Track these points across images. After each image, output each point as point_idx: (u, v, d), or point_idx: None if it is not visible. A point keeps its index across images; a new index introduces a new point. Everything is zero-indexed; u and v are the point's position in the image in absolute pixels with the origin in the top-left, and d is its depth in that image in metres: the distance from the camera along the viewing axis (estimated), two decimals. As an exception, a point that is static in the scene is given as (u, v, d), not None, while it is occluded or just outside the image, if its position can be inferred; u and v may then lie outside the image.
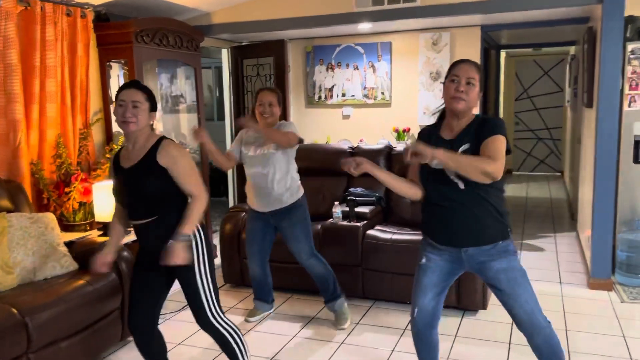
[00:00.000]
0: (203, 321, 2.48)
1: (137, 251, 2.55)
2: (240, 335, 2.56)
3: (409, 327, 2.50)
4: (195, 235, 2.40)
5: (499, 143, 2.13)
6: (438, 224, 2.30)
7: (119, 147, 2.54)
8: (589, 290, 4.03)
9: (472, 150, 2.17)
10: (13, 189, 3.22)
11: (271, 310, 3.73)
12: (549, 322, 2.29)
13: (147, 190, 2.34)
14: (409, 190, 2.36)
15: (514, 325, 3.45)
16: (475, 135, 2.19)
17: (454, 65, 2.27)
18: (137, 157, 2.37)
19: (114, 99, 2.43)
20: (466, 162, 2.09)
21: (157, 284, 2.50)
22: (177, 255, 2.27)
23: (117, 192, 2.46)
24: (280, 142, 3.25)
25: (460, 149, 2.19)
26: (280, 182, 3.31)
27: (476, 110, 2.36)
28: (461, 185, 2.18)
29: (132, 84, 2.41)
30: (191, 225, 2.33)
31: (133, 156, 2.38)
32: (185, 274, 2.41)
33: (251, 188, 3.41)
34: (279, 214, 3.37)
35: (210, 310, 2.47)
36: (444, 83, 2.28)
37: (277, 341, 3.32)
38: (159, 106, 4.73)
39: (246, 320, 3.61)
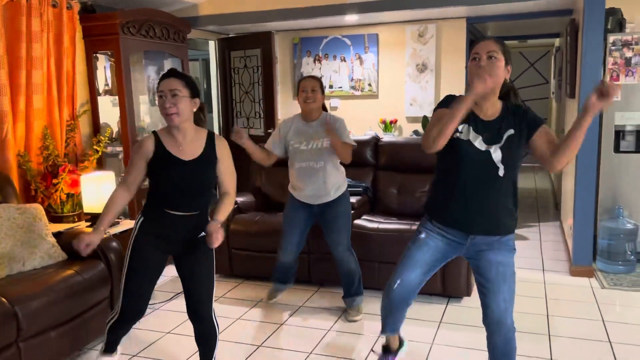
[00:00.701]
0: (205, 313, 2.50)
1: (141, 236, 2.48)
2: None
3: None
4: None
5: (550, 129, 2.17)
6: (456, 207, 2.21)
7: (151, 132, 2.48)
8: (571, 277, 4.12)
9: (516, 137, 2.13)
10: (0, 181, 3.23)
11: (290, 287, 3.77)
12: (515, 328, 2.28)
13: (207, 183, 2.43)
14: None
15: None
16: (516, 123, 2.14)
17: (473, 45, 2.17)
18: (197, 149, 2.40)
19: (156, 90, 2.45)
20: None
21: (159, 271, 2.54)
22: (221, 236, 2.31)
23: (171, 182, 2.40)
24: (341, 155, 3.29)
25: (506, 134, 2.13)
26: (331, 176, 3.32)
27: None
28: (501, 172, 2.13)
29: (170, 73, 2.41)
30: (225, 216, 2.42)
31: (190, 149, 2.39)
32: (209, 261, 2.48)
33: (300, 181, 3.37)
34: (325, 205, 3.37)
35: (212, 303, 2.53)
36: (466, 67, 2.24)
37: (265, 328, 3.38)
38: (146, 98, 4.74)
39: (266, 301, 3.70)
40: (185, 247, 2.48)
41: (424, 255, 2.30)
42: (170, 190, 2.41)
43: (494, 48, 2.11)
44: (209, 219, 2.46)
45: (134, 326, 2.68)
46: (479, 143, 2.13)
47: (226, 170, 2.48)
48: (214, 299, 2.53)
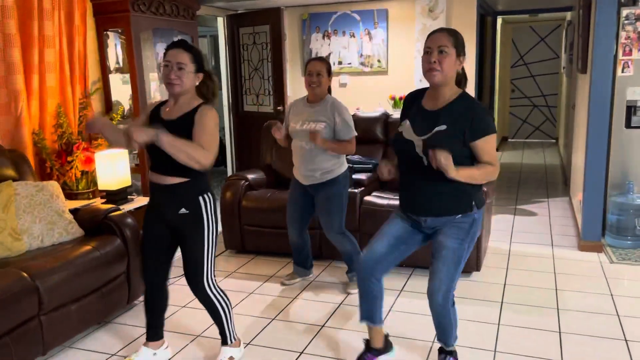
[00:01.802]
0: (199, 288, 2.55)
1: (147, 209, 2.61)
2: (229, 305, 2.65)
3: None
4: (205, 203, 2.48)
5: (492, 145, 2.22)
6: (403, 192, 2.41)
7: (160, 101, 2.59)
8: (580, 252, 4.16)
9: (448, 133, 2.19)
10: (17, 158, 3.28)
11: (309, 276, 3.80)
12: (453, 305, 2.41)
13: None
14: None
15: (506, 286, 3.60)
16: (456, 120, 2.19)
17: (427, 37, 2.26)
18: (178, 113, 2.42)
19: (162, 58, 2.45)
20: (481, 177, 2.22)
21: (167, 242, 2.58)
22: (140, 134, 2.23)
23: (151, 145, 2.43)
24: (338, 152, 3.32)
25: (435, 129, 2.21)
26: (319, 159, 3.32)
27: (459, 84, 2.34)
28: (425, 162, 2.22)
29: (179, 43, 2.42)
30: (172, 144, 2.26)
31: (174, 112, 2.44)
32: (195, 240, 2.48)
33: (294, 160, 3.45)
34: (315, 187, 3.40)
35: (207, 279, 2.54)
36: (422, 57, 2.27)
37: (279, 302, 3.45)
38: (156, 76, 4.75)
39: (282, 284, 3.71)
40: (175, 223, 2.50)
41: (391, 228, 2.46)
42: (149, 149, 2.41)
43: (445, 42, 2.18)
44: (199, 198, 2.45)
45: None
46: (408, 134, 2.29)
47: (200, 129, 2.36)
48: (207, 274, 2.53)
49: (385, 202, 3.89)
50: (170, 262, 2.67)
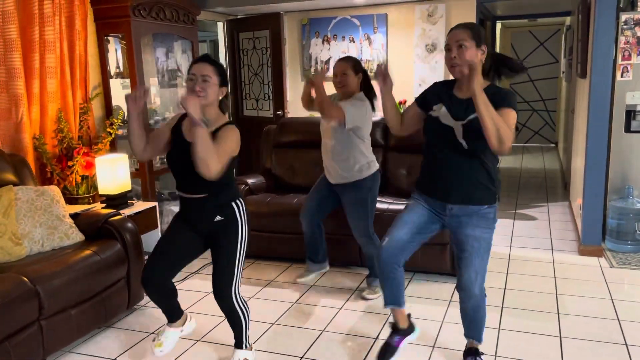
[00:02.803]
0: (225, 296, 2.55)
1: (177, 216, 2.62)
2: (249, 314, 2.66)
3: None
4: (239, 208, 2.52)
5: (512, 117, 2.19)
6: (434, 178, 2.41)
7: (181, 114, 2.55)
8: (580, 256, 4.16)
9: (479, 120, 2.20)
10: (17, 163, 3.28)
11: (324, 270, 3.76)
12: (485, 295, 2.48)
13: None
14: (394, 117, 2.53)
15: (506, 291, 3.59)
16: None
17: (447, 35, 2.34)
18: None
19: (186, 73, 2.45)
20: (497, 118, 2.11)
21: (191, 245, 2.59)
22: (191, 102, 2.22)
23: (171, 158, 2.50)
24: (323, 113, 3.15)
25: (472, 115, 2.24)
26: (342, 157, 3.28)
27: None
28: (465, 146, 2.28)
29: (204, 58, 2.45)
30: (205, 135, 2.22)
31: None
32: (230, 248, 2.50)
33: (324, 158, 3.45)
34: (341, 187, 3.38)
35: (235, 288, 2.56)
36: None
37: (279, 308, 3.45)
38: (156, 81, 4.77)
39: (297, 282, 3.73)
40: (209, 232, 2.53)
41: (410, 216, 2.48)
42: (173, 169, 2.51)
43: (462, 36, 2.24)
44: (232, 204, 2.49)
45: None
46: (446, 120, 2.31)
47: (219, 144, 2.34)
48: (235, 283, 2.55)
49: (385, 206, 3.89)
50: (178, 269, 2.66)
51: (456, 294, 2.52)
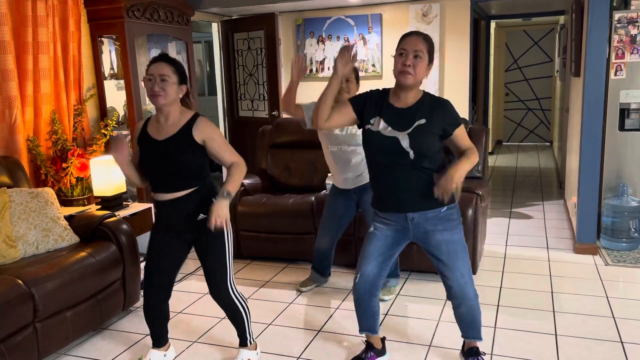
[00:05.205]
0: (221, 291, 2.55)
1: (155, 223, 2.61)
2: (248, 307, 2.66)
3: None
4: None
5: (465, 131, 2.33)
6: (387, 191, 2.37)
7: (147, 117, 2.61)
8: (575, 254, 4.17)
9: (427, 127, 2.26)
10: (11, 165, 3.27)
11: (324, 283, 3.75)
12: (477, 295, 2.45)
13: (183, 164, 2.41)
14: (329, 109, 2.44)
15: (502, 289, 3.60)
16: (430, 114, 2.28)
17: (402, 39, 2.30)
18: (172, 130, 2.42)
19: (144, 73, 2.45)
20: (475, 159, 2.26)
21: (178, 253, 2.58)
22: (223, 211, 2.33)
23: (144, 162, 2.49)
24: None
25: (416, 123, 2.26)
26: (361, 165, 3.27)
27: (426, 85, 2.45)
28: (412, 155, 2.26)
29: (161, 57, 2.44)
30: (235, 186, 2.40)
31: (166, 130, 2.43)
32: (216, 242, 2.49)
33: (333, 165, 3.39)
34: (362, 188, 3.35)
35: (230, 282, 2.56)
36: (394, 56, 2.31)
37: (275, 307, 3.44)
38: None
39: (298, 290, 3.68)
40: (193, 232, 2.51)
41: (374, 246, 2.44)
42: (147, 171, 2.49)
43: (421, 47, 2.25)
44: (213, 199, 2.42)
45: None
46: (388, 132, 2.29)
47: (219, 148, 2.44)
48: (230, 277, 2.55)
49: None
50: (172, 284, 2.65)
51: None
